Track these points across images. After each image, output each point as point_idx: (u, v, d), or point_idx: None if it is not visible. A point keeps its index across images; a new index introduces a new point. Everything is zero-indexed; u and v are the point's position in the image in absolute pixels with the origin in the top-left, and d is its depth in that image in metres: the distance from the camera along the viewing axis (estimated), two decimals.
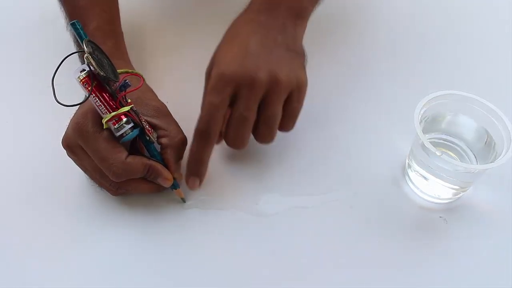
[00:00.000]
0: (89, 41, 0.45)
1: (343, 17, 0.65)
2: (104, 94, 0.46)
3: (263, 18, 0.52)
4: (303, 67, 0.52)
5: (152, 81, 0.56)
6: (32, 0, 0.71)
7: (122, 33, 0.60)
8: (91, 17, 0.56)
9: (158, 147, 0.51)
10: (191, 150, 0.50)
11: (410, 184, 0.53)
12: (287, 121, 0.52)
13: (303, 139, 0.57)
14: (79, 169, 0.51)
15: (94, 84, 0.45)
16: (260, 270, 0.48)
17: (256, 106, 0.49)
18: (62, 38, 0.58)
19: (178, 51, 0.66)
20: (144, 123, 0.49)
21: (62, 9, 0.58)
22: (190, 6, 0.72)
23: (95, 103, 0.46)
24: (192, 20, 0.70)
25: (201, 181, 0.51)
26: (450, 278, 0.48)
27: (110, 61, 0.47)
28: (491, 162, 0.49)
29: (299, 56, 0.53)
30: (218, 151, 0.56)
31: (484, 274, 0.48)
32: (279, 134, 0.52)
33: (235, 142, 0.51)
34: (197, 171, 0.51)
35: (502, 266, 0.49)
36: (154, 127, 0.51)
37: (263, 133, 0.51)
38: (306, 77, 0.52)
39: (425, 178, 0.51)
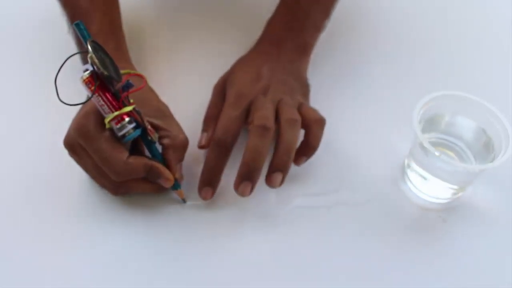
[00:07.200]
0: (93, 41, 0.45)
1: (342, 18, 0.66)
2: (107, 94, 0.46)
3: (274, 51, 0.58)
4: (308, 97, 0.57)
5: (153, 82, 0.56)
6: (33, 1, 0.72)
7: (123, 35, 0.60)
8: (93, 20, 0.56)
9: (159, 147, 0.51)
10: (207, 160, 0.51)
11: (409, 184, 0.54)
12: (314, 116, 0.53)
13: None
14: (80, 168, 0.51)
15: (97, 83, 0.45)
16: (260, 270, 0.48)
17: (274, 109, 0.52)
18: (63, 40, 0.58)
19: (178, 52, 0.66)
20: (146, 124, 0.49)
21: (63, 12, 0.58)
22: (190, 7, 0.72)
23: (98, 102, 0.46)
24: (192, 21, 0.70)
25: (213, 192, 0.51)
26: (449, 278, 0.48)
27: (113, 62, 0.47)
28: (489, 162, 0.49)
29: (304, 86, 0.58)
30: None
31: (483, 274, 0.48)
32: None
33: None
34: (210, 180, 0.51)
35: (501, 266, 0.49)
36: (156, 127, 0.51)
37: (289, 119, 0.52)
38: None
39: (424, 178, 0.51)
